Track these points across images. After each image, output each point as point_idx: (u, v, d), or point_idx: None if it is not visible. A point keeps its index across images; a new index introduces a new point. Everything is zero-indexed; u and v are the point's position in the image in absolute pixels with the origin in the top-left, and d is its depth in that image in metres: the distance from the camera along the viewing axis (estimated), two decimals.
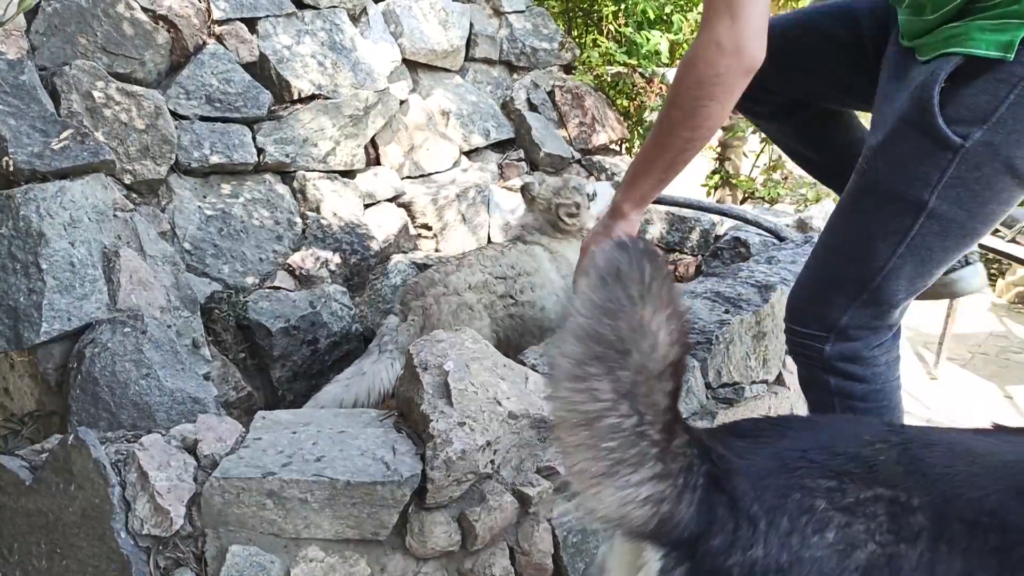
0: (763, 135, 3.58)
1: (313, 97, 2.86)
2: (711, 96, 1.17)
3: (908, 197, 1.15)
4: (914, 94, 1.12)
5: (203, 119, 2.59)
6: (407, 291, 2.13)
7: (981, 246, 2.95)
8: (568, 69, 4.09)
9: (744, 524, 0.75)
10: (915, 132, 1.13)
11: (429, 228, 3.11)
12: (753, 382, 1.95)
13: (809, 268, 1.29)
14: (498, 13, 3.84)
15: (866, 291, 1.21)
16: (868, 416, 1.30)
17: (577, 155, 3.72)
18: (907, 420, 2.75)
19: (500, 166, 3.55)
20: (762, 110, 1.53)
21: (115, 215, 1.95)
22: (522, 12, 3.93)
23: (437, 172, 3.36)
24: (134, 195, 2.39)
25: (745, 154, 4.32)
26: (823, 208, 2.94)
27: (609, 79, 4.09)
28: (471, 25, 3.64)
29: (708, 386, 1.83)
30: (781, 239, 2.56)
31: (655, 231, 3.00)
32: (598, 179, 3.52)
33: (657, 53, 3.94)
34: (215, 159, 2.57)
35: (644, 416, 0.74)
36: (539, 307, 2.15)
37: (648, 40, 3.91)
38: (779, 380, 2.07)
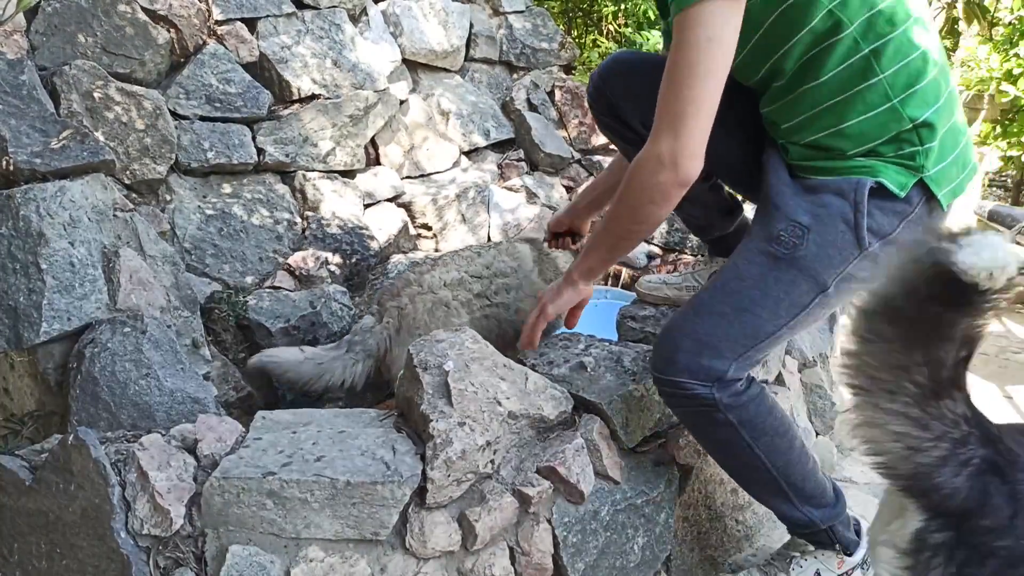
0: None
1: (313, 97, 2.86)
2: (651, 200, 1.34)
3: (820, 278, 1.35)
4: (847, 196, 1.34)
5: (203, 119, 2.59)
6: (383, 292, 2.12)
7: None
8: (568, 69, 4.09)
9: (1022, 516, 0.84)
10: (845, 226, 1.34)
11: (429, 228, 3.11)
12: None
13: (701, 325, 1.37)
14: (498, 13, 3.84)
15: (752, 349, 1.36)
16: (782, 425, 1.43)
17: (577, 155, 3.72)
18: None
19: (500, 166, 3.55)
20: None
21: (115, 215, 1.95)
22: (522, 12, 3.93)
23: (437, 172, 3.36)
24: (134, 195, 2.39)
25: None
26: None
27: None
28: (471, 25, 3.64)
29: None
30: None
31: (655, 230, 3.00)
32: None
33: (657, 53, 3.94)
34: (215, 159, 2.57)
35: (928, 364, 0.84)
36: (513, 309, 2.12)
37: (648, 40, 3.91)
38: (779, 380, 2.07)
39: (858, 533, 1.56)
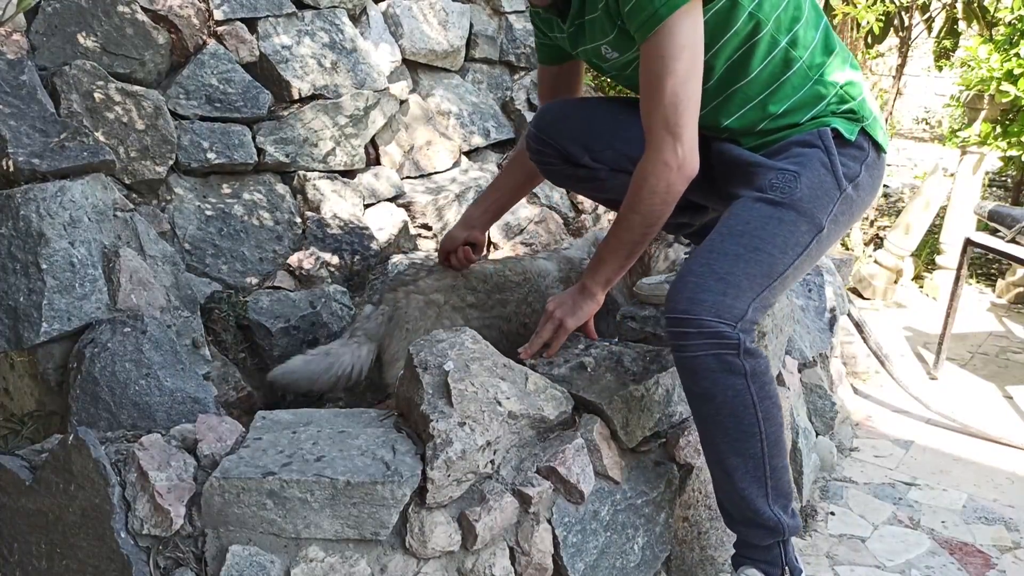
0: None
1: (313, 97, 2.86)
2: (663, 201, 1.46)
3: (816, 218, 1.44)
4: (816, 144, 1.48)
5: (203, 119, 2.59)
6: (384, 286, 2.17)
7: (981, 246, 2.96)
8: None
9: None
10: (824, 169, 1.47)
11: (429, 228, 3.11)
12: None
13: (719, 264, 1.40)
14: (498, 13, 3.84)
15: (767, 289, 1.41)
16: (779, 398, 1.45)
17: None
18: (907, 420, 2.76)
19: (500, 166, 3.55)
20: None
21: (115, 215, 1.95)
22: (522, 12, 3.93)
23: (437, 172, 3.36)
24: (134, 195, 2.39)
25: None
26: None
27: (608, 79, 4.10)
28: (471, 25, 3.64)
29: None
30: None
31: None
32: None
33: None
34: (215, 159, 2.57)
35: None
36: (517, 323, 2.09)
37: None
38: (779, 380, 2.07)
39: (797, 560, 1.55)
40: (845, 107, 1.52)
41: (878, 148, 1.56)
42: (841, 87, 1.52)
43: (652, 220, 1.49)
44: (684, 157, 1.40)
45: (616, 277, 1.63)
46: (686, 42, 1.35)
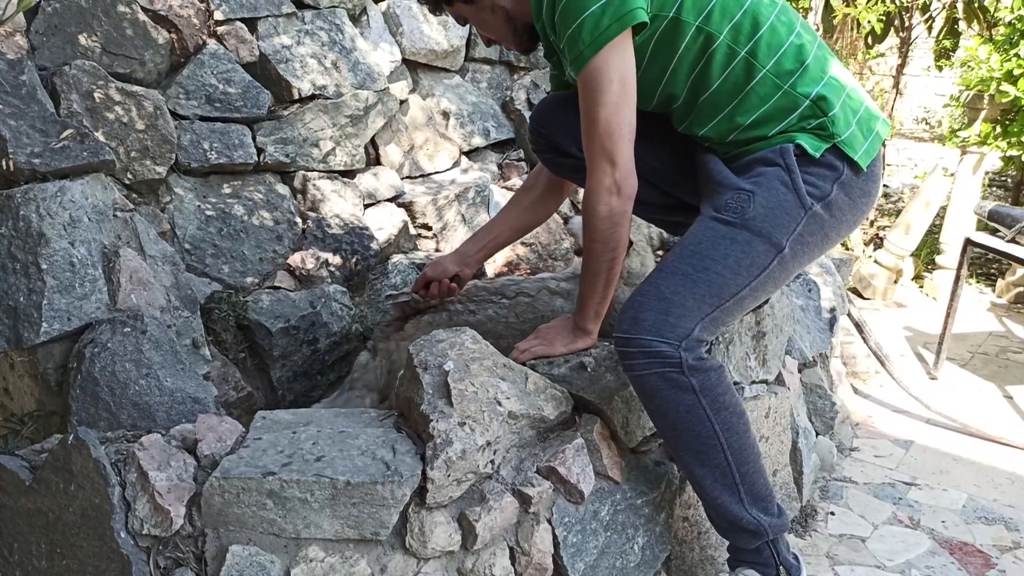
0: None
1: (313, 97, 2.86)
2: (614, 223, 1.49)
3: (773, 238, 1.43)
4: (777, 162, 1.46)
5: (203, 119, 2.59)
6: (376, 334, 2.18)
7: (981, 246, 2.95)
8: None
9: None
10: (784, 188, 1.44)
11: (429, 228, 3.11)
12: (753, 382, 1.95)
13: (665, 284, 1.41)
14: None
15: (717, 309, 1.41)
16: (738, 407, 1.45)
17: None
18: (907, 420, 2.76)
19: (500, 166, 3.55)
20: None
21: (115, 215, 1.95)
22: None
23: (437, 172, 3.36)
24: (134, 195, 2.39)
25: None
26: None
27: None
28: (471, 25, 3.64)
29: None
30: None
31: (655, 231, 3.00)
32: None
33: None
34: (215, 159, 2.57)
35: None
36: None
37: None
38: (779, 380, 2.07)
39: (796, 559, 1.55)
40: (816, 122, 1.46)
41: (855, 166, 1.48)
42: (813, 100, 1.46)
43: (611, 243, 1.51)
44: (622, 180, 1.44)
45: (603, 308, 1.65)
46: (614, 75, 1.40)
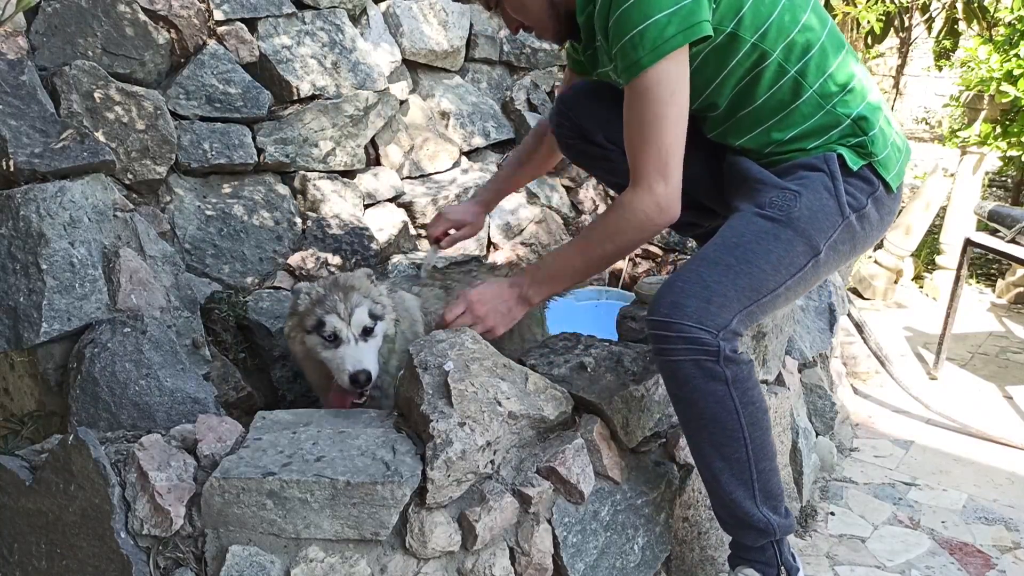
0: None
1: (313, 97, 2.86)
2: (643, 238, 1.50)
3: (813, 241, 1.44)
4: (822, 168, 1.47)
5: (203, 119, 2.59)
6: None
7: (981, 246, 2.95)
8: None
9: None
10: (827, 194, 1.46)
11: None
12: None
13: (708, 273, 1.40)
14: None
15: (754, 303, 1.41)
16: (764, 403, 1.45)
17: None
18: (907, 421, 2.76)
19: (500, 166, 3.55)
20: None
21: (115, 215, 1.95)
22: None
23: (437, 172, 3.36)
24: (134, 195, 2.39)
25: None
26: None
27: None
28: (471, 25, 3.64)
29: None
30: None
31: None
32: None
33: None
34: (215, 159, 2.57)
35: None
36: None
37: None
38: (779, 380, 2.07)
39: (794, 559, 1.55)
40: (855, 140, 1.50)
41: (887, 186, 1.52)
42: (854, 119, 1.50)
43: (627, 250, 1.52)
44: (669, 201, 1.42)
45: (558, 289, 1.64)
46: (675, 87, 1.37)
